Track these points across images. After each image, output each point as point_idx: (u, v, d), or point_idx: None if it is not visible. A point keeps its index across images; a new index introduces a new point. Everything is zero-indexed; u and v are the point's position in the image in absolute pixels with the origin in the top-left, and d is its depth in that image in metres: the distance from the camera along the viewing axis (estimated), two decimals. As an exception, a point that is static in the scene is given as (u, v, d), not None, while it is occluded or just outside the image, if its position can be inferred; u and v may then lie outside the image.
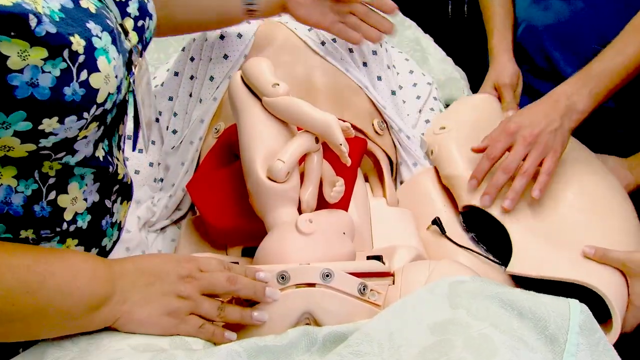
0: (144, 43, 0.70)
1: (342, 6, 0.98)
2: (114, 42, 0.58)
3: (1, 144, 0.53)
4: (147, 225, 0.98)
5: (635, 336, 0.79)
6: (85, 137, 0.59)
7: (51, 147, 0.56)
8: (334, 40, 1.04)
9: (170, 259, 0.65)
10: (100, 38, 0.56)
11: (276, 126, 0.79)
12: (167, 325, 0.61)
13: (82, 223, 0.66)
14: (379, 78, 1.06)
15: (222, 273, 0.64)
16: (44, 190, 0.60)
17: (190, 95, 1.05)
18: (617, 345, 0.59)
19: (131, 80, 0.67)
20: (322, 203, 0.78)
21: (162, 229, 1.00)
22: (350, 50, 1.05)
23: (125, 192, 0.74)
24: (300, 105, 0.77)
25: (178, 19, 0.92)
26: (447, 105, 1.33)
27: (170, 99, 1.08)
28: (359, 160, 0.89)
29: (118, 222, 0.73)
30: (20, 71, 0.50)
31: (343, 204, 0.81)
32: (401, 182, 1.04)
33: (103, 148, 0.65)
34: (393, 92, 1.08)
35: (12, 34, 0.49)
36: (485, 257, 0.88)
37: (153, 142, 1.10)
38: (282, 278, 0.65)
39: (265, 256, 0.71)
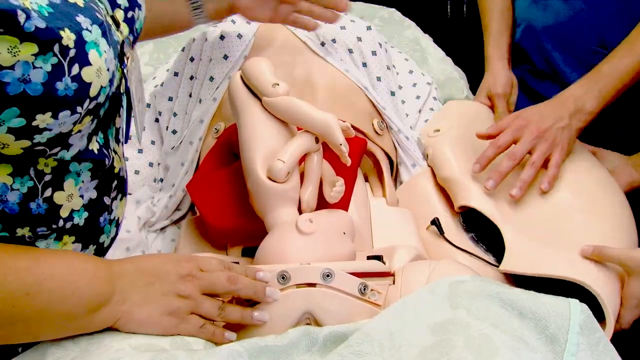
0: (134, 34, 0.70)
1: None
2: (104, 35, 0.58)
3: None
4: (147, 225, 0.98)
5: (636, 335, 0.79)
6: (79, 131, 0.59)
7: (46, 142, 0.56)
8: (333, 41, 1.04)
9: (170, 259, 0.65)
10: (90, 31, 0.56)
11: (276, 126, 0.79)
12: (167, 325, 0.61)
13: (79, 220, 0.66)
14: (379, 79, 1.06)
15: (222, 272, 0.64)
16: (40, 187, 0.60)
17: (190, 96, 1.05)
18: (617, 344, 0.59)
19: (125, 72, 0.67)
20: (322, 203, 0.78)
21: (162, 229, 1.01)
22: (350, 51, 1.05)
23: (122, 187, 0.74)
24: (300, 105, 0.77)
25: None
26: (447, 106, 1.33)
27: (170, 99, 1.08)
28: (358, 160, 0.89)
29: (116, 218, 0.73)
30: (12, 67, 0.50)
31: (343, 203, 0.81)
32: (400, 183, 1.04)
33: (97, 141, 0.65)
34: (392, 93, 1.08)
35: (1, 30, 0.49)
36: (483, 258, 0.88)
37: (153, 142, 1.11)
38: (283, 278, 0.65)
39: (266, 256, 0.71)
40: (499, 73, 1.15)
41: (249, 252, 0.82)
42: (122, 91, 0.68)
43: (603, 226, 0.87)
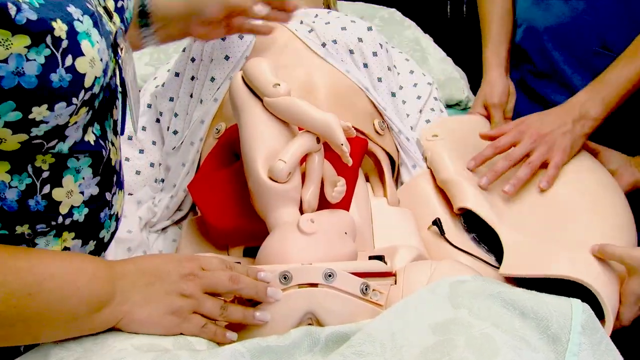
0: (125, 24, 0.70)
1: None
2: (95, 25, 0.58)
3: None
4: (148, 226, 0.99)
5: (637, 334, 0.79)
6: (75, 122, 0.59)
7: (43, 135, 0.56)
8: (334, 41, 1.04)
9: (171, 259, 0.65)
10: (81, 22, 0.56)
11: (277, 126, 0.79)
12: (169, 324, 0.61)
13: (79, 216, 0.65)
14: (380, 79, 1.06)
15: (224, 272, 0.64)
16: (38, 184, 0.60)
17: (191, 96, 1.05)
18: (619, 344, 0.59)
19: (120, 62, 0.67)
20: (323, 203, 0.78)
21: (163, 229, 1.01)
22: (351, 52, 1.05)
23: (119, 180, 0.73)
24: (301, 105, 0.77)
25: None
26: (447, 106, 1.33)
27: (171, 99, 1.08)
28: (360, 160, 0.89)
29: (115, 213, 0.73)
30: (5, 61, 0.50)
31: (344, 204, 0.81)
32: (401, 184, 1.05)
33: (94, 132, 0.64)
34: (393, 94, 1.08)
35: None
36: (483, 259, 0.88)
37: (154, 143, 1.11)
38: (285, 278, 0.65)
39: (267, 256, 0.71)
40: (495, 82, 1.16)
41: (251, 252, 0.82)
42: (117, 82, 0.68)
43: (604, 225, 0.87)
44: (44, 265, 0.56)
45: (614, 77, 0.96)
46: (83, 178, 0.64)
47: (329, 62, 1.03)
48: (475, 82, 1.28)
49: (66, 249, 0.66)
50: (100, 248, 0.72)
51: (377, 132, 1.01)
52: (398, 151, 1.05)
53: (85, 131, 0.63)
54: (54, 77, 0.53)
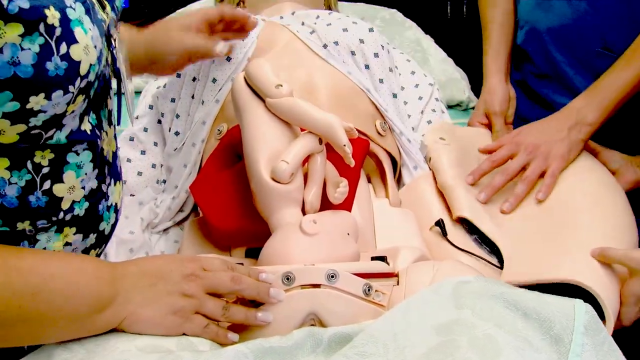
0: (116, 12, 0.70)
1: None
2: (87, 12, 0.58)
3: None
4: (150, 227, 0.99)
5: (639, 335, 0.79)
6: (72, 111, 0.59)
7: (41, 125, 0.56)
8: (336, 43, 1.05)
9: (173, 260, 0.65)
10: (74, 9, 0.56)
11: (280, 127, 0.79)
12: (172, 324, 0.61)
13: (79, 211, 0.65)
14: (381, 81, 1.06)
15: (225, 273, 0.64)
16: (38, 180, 0.60)
17: (193, 97, 1.05)
18: (621, 343, 0.59)
19: (114, 53, 0.67)
20: (325, 204, 0.78)
21: (165, 230, 1.01)
22: (353, 53, 1.05)
23: (113, 171, 0.73)
24: (303, 106, 0.77)
25: None
26: (448, 106, 1.33)
27: (173, 100, 1.08)
28: (361, 161, 0.89)
29: (114, 204, 0.72)
30: (0, 51, 0.50)
31: (346, 204, 0.81)
32: (403, 185, 1.05)
33: (90, 121, 0.64)
34: (394, 95, 1.08)
35: None
36: (486, 259, 0.88)
37: (155, 144, 1.11)
38: (287, 279, 0.65)
39: (270, 257, 0.72)
40: (495, 89, 1.16)
41: (253, 253, 0.82)
42: (110, 73, 0.68)
43: (605, 226, 0.87)
44: (46, 266, 0.56)
45: (610, 82, 0.97)
46: (85, 174, 0.64)
47: (331, 64, 1.03)
48: (476, 83, 1.28)
49: (68, 244, 0.66)
50: (101, 241, 0.72)
51: (378, 133, 1.01)
52: (400, 152, 1.05)
53: (81, 120, 0.63)
54: (50, 65, 0.53)
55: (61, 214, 0.63)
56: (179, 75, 1.08)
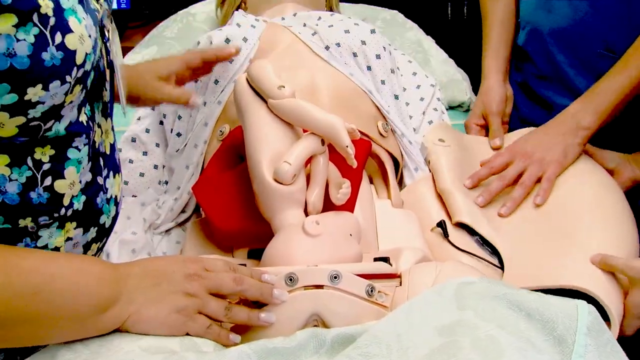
0: (109, 3, 0.69)
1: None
2: (80, 2, 0.58)
3: None
4: (152, 228, 0.99)
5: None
6: (70, 102, 0.59)
7: (40, 117, 0.56)
8: (337, 44, 1.05)
9: (176, 260, 0.65)
10: None
11: (282, 128, 0.79)
12: (175, 323, 0.61)
13: (78, 205, 0.65)
14: (383, 82, 1.06)
15: (228, 273, 0.64)
16: (39, 176, 0.60)
17: (195, 98, 1.05)
18: (624, 345, 0.59)
19: (107, 45, 0.67)
20: (327, 205, 0.79)
21: (167, 231, 1.01)
22: (354, 55, 1.05)
23: (110, 164, 0.73)
24: (306, 107, 0.77)
25: None
26: (449, 107, 1.33)
27: (175, 101, 1.08)
28: (364, 161, 0.89)
29: (113, 197, 0.72)
30: None
31: (349, 205, 0.81)
32: (404, 186, 1.05)
33: (85, 113, 0.64)
34: (396, 97, 1.08)
35: None
36: (488, 260, 0.88)
37: (157, 145, 1.11)
38: (290, 280, 0.66)
39: (273, 258, 0.72)
40: (493, 89, 1.17)
41: (255, 254, 0.82)
42: (105, 64, 0.68)
43: (605, 229, 0.87)
44: (47, 266, 0.56)
45: (607, 86, 0.98)
46: (83, 168, 0.64)
47: (333, 65, 1.03)
48: (477, 84, 1.28)
49: (69, 239, 0.66)
50: (102, 234, 0.72)
51: (380, 134, 1.01)
52: (401, 153, 1.05)
53: (79, 111, 0.63)
54: (46, 55, 0.53)
55: (62, 210, 0.63)
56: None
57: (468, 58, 1.45)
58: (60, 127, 0.60)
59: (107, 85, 0.70)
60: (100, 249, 0.73)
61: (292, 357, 0.58)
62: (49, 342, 0.58)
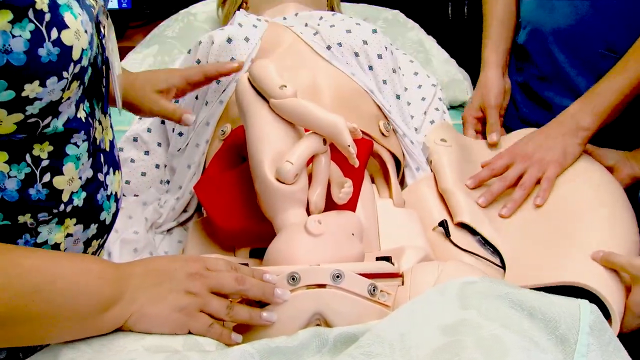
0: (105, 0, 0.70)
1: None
2: None
3: None
4: (154, 227, 0.99)
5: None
6: (68, 98, 0.59)
7: (38, 113, 0.56)
8: (339, 44, 1.05)
9: (177, 259, 0.65)
10: None
11: (284, 128, 0.79)
12: (177, 322, 0.61)
13: (78, 201, 0.65)
14: (385, 82, 1.06)
15: (229, 273, 0.64)
16: (37, 173, 0.60)
17: (197, 98, 1.05)
18: (626, 343, 0.59)
19: (103, 41, 0.67)
20: (329, 204, 0.79)
21: (169, 230, 1.01)
22: (356, 54, 1.05)
23: (110, 160, 0.73)
24: (307, 106, 0.77)
25: None
26: (451, 107, 1.33)
27: (176, 101, 1.08)
28: (365, 161, 0.89)
29: (113, 193, 0.72)
30: None
31: (351, 205, 0.81)
32: (405, 186, 1.05)
33: (84, 109, 0.65)
34: (398, 97, 1.08)
35: None
36: (490, 260, 0.88)
37: (159, 144, 1.11)
38: (293, 279, 0.66)
39: (275, 257, 0.72)
40: (492, 82, 1.17)
41: (257, 254, 0.82)
42: (101, 61, 0.68)
43: (606, 227, 0.88)
44: (49, 266, 0.56)
45: (606, 87, 0.98)
46: (82, 164, 0.64)
47: (334, 65, 1.04)
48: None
49: (69, 235, 0.66)
50: (103, 231, 0.72)
51: (382, 134, 1.01)
52: (403, 153, 1.05)
53: (77, 108, 0.63)
54: (42, 51, 0.53)
55: (62, 206, 0.64)
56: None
57: (469, 58, 1.45)
58: (58, 124, 0.60)
59: (105, 82, 0.70)
60: (101, 246, 0.74)
61: (294, 356, 0.58)
62: (50, 341, 0.58)
